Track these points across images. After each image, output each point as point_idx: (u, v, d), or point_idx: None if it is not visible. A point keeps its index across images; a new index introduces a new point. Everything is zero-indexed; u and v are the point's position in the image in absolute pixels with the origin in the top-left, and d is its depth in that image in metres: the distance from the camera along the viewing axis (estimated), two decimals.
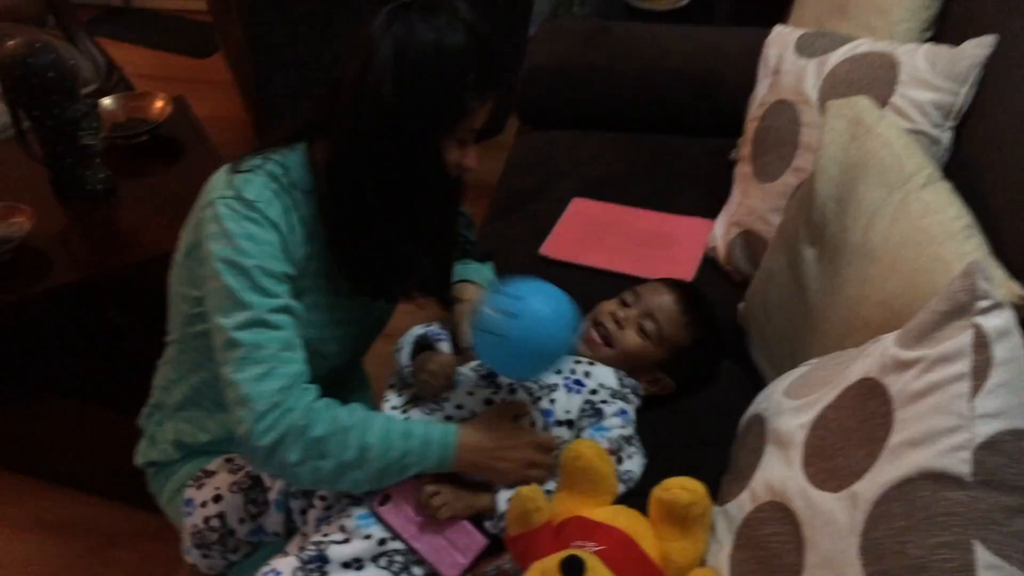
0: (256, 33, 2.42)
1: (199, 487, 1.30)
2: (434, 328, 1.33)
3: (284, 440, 1.10)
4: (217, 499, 1.28)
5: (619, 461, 1.25)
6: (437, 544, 1.17)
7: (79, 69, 2.59)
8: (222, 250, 1.12)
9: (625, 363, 1.35)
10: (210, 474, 1.31)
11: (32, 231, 1.72)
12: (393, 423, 1.17)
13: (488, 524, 1.19)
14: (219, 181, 1.18)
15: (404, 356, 1.30)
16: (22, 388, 1.78)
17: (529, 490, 1.13)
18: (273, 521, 1.26)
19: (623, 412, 1.29)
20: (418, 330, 1.32)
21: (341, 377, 1.36)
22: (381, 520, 1.17)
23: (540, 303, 1.14)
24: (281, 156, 1.20)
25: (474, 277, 1.42)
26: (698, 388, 1.44)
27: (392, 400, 1.28)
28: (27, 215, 1.74)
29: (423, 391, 1.27)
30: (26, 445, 1.92)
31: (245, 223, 1.13)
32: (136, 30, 3.72)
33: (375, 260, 1.24)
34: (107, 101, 2.05)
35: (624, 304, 1.39)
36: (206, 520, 1.28)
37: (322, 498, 1.21)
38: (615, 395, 1.30)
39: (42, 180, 1.85)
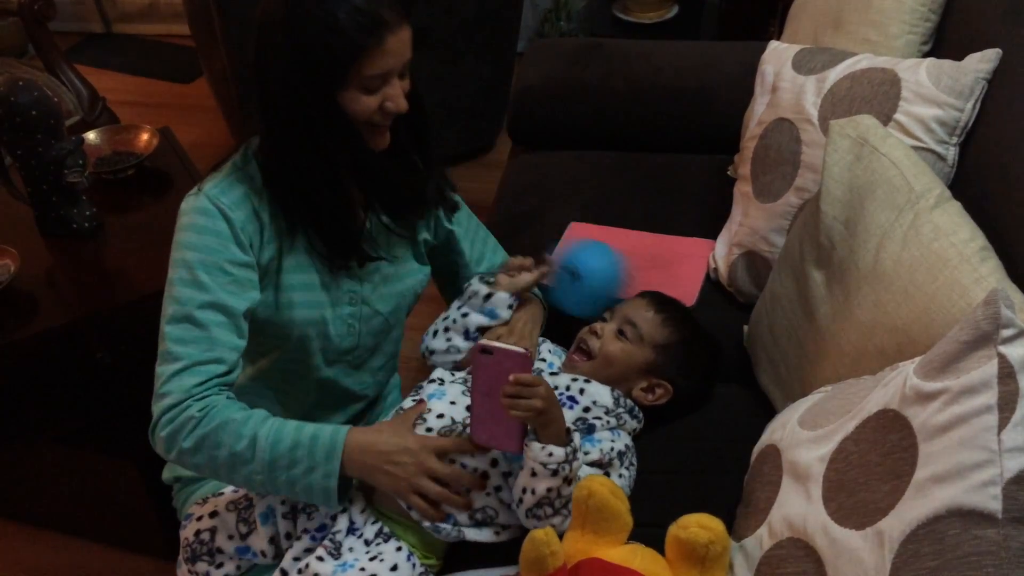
0: (240, 58, 2.39)
1: (203, 503, 1.33)
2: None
3: (181, 430, 1.15)
4: (213, 515, 1.31)
5: (607, 475, 1.25)
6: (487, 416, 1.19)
7: (62, 103, 2.55)
8: (175, 244, 1.20)
9: (613, 371, 1.35)
10: (220, 495, 1.33)
11: (17, 273, 1.68)
12: (288, 421, 1.19)
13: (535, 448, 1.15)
14: None
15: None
16: (11, 434, 1.74)
17: (544, 533, 1.10)
18: (259, 539, 1.26)
19: (615, 430, 1.30)
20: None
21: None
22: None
23: (591, 259, 1.42)
24: (241, 152, 1.26)
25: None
26: (702, 394, 1.43)
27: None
28: (12, 257, 1.70)
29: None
30: (18, 491, 1.89)
31: (195, 215, 1.19)
32: (118, 56, 3.67)
33: (329, 216, 1.25)
34: (91, 135, 2.01)
35: (602, 320, 1.41)
36: (197, 533, 1.30)
37: (306, 531, 1.23)
38: (608, 413, 1.29)
39: (27, 219, 1.82)
